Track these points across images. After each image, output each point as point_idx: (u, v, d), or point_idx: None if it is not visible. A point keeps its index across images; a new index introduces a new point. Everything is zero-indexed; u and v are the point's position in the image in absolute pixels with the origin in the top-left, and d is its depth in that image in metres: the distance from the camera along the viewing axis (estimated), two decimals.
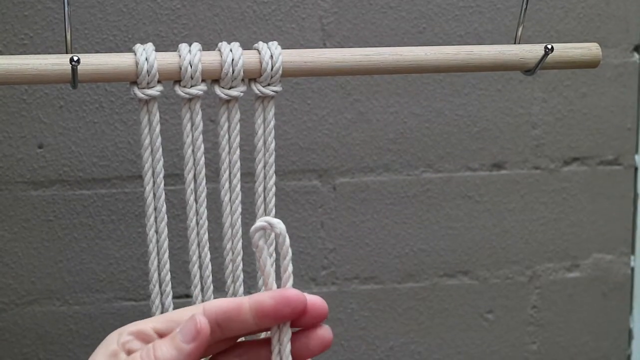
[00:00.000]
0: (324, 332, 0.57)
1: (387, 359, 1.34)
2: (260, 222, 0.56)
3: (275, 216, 1.22)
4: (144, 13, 1.12)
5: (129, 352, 0.55)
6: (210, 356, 0.59)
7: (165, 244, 0.87)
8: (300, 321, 0.56)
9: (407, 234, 1.29)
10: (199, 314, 0.55)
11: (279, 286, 0.57)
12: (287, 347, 0.56)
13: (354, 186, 1.25)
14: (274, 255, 0.65)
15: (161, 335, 0.56)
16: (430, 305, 1.33)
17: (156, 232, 0.86)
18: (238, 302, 0.55)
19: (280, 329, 0.56)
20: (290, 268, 0.56)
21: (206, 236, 0.87)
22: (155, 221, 0.86)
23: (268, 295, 0.55)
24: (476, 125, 1.26)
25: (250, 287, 1.15)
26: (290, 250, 0.56)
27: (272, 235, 0.56)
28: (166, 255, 0.87)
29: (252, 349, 0.59)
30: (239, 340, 0.60)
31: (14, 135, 1.13)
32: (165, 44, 1.13)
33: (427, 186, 1.28)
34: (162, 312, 0.88)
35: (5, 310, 1.19)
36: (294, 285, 0.56)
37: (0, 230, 1.16)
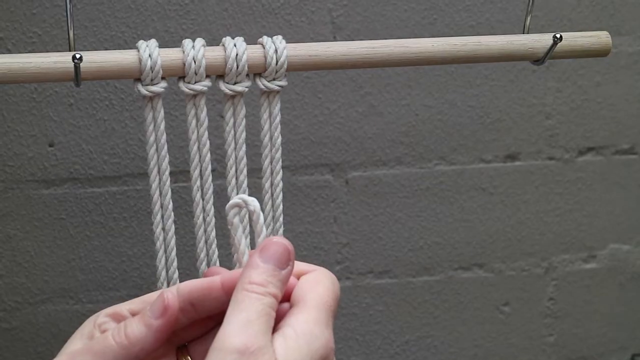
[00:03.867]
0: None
1: (403, 353, 1.34)
2: (235, 199, 0.56)
3: (288, 212, 1.22)
4: (152, 9, 1.12)
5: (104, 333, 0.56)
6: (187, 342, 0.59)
7: (173, 242, 0.86)
8: None
9: (421, 227, 1.29)
10: (168, 290, 0.55)
11: None
12: None
13: (366, 180, 1.25)
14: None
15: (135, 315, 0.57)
16: (446, 299, 1.33)
17: (163, 229, 0.85)
18: (210, 281, 0.55)
19: None
20: None
21: (214, 233, 0.87)
22: (162, 218, 0.85)
23: (240, 273, 0.55)
24: (489, 117, 1.25)
25: None
26: (264, 229, 0.56)
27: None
28: (173, 252, 0.87)
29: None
30: None
31: (24, 134, 1.13)
32: (174, 40, 1.13)
33: (440, 179, 1.27)
34: None
35: (19, 309, 1.20)
36: None
37: (13, 229, 1.16)
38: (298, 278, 0.56)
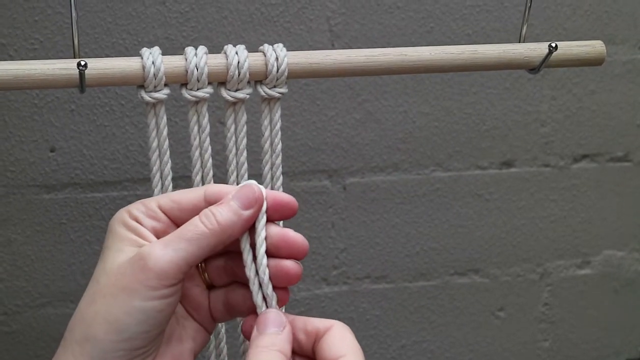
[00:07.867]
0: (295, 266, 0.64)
1: (399, 358, 1.35)
2: (243, 184, 0.61)
3: None
4: (153, 16, 1.13)
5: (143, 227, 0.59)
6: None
7: None
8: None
9: (418, 233, 1.30)
10: (254, 184, 0.60)
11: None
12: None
13: (364, 186, 1.26)
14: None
15: (166, 214, 0.60)
16: (442, 304, 1.34)
17: None
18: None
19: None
20: (263, 234, 0.61)
21: None
22: None
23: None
24: (485, 124, 1.27)
25: None
26: (264, 216, 0.60)
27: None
28: None
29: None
30: None
31: (26, 139, 1.14)
32: (174, 47, 1.14)
33: (436, 185, 1.28)
34: None
35: (20, 312, 1.20)
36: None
37: (13, 233, 1.17)
38: (314, 334, 0.59)
